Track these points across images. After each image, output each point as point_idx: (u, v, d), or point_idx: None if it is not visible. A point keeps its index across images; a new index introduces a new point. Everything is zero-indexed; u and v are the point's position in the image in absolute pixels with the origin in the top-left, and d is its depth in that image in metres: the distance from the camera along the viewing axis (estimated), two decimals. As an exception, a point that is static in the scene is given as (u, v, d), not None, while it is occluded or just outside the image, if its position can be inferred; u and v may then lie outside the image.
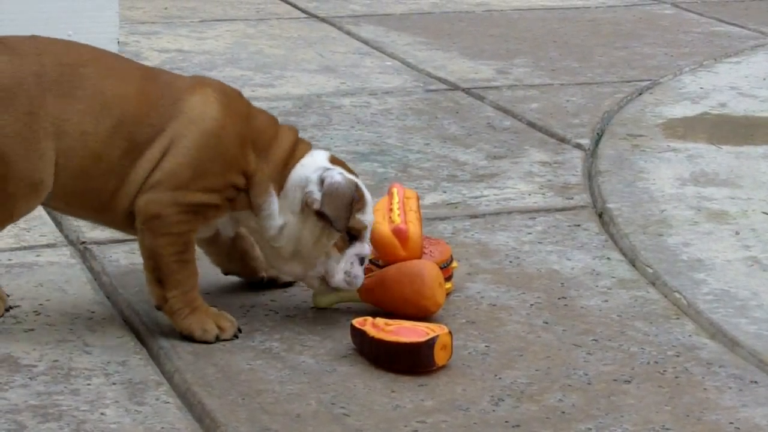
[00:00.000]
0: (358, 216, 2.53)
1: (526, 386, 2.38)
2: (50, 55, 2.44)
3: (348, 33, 4.90)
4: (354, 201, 2.50)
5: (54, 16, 4.31)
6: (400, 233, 2.63)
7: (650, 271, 2.87)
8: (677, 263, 2.91)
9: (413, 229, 2.65)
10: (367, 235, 2.57)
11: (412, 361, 2.40)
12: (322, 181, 2.49)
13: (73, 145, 2.42)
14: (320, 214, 2.48)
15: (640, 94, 4.20)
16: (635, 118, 3.94)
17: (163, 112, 2.45)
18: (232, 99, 2.52)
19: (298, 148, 2.54)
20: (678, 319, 2.67)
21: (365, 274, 2.71)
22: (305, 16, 5.17)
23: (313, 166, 2.52)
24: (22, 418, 2.22)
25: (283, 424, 2.24)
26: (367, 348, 2.44)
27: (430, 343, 2.40)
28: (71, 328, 2.54)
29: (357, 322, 2.48)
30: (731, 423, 2.28)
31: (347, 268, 2.53)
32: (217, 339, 2.49)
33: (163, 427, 2.22)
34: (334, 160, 2.57)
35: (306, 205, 2.49)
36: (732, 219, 3.18)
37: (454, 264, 2.75)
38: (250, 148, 2.49)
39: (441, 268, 2.68)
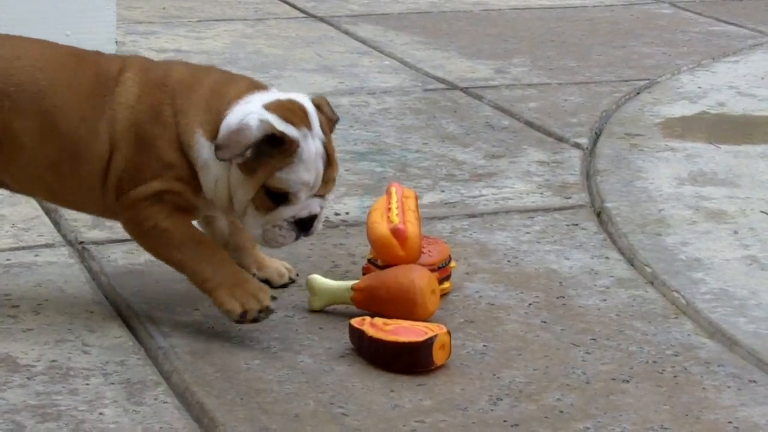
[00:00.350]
0: (281, 174, 2.38)
1: (524, 386, 2.38)
2: None
3: (346, 32, 4.90)
4: (255, 142, 2.33)
5: (51, 16, 4.31)
6: (398, 233, 2.62)
7: (649, 270, 2.87)
8: (675, 262, 2.91)
9: (412, 228, 2.64)
10: (301, 197, 2.41)
11: (410, 361, 2.40)
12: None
13: (8, 141, 2.43)
14: (244, 162, 2.37)
15: (638, 93, 4.20)
16: (633, 118, 3.94)
17: (95, 105, 2.43)
18: (157, 67, 2.47)
19: (228, 90, 2.41)
20: (676, 318, 2.67)
21: (364, 273, 2.71)
22: (303, 15, 5.16)
23: (245, 110, 2.38)
24: (20, 418, 2.22)
25: (282, 423, 2.23)
26: (366, 348, 2.44)
27: (428, 343, 2.40)
28: (70, 327, 2.54)
29: (355, 321, 2.47)
30: (730, 422, 2.28)
31: (268, 228, 2.43)
32: (261, 313, 2.43)
33: (161, 427, 2.21)
34: (277, 107, 2.38)
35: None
36: (730, 218, 3.18)
37: (453, 263, 2.75)
38: (170, 111, 2.41)
39: (439, 268, 2.68)
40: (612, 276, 2.86)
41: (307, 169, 2.39)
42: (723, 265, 2.91)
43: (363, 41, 4.77)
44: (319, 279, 2.63)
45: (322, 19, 5.09)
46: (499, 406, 2.31)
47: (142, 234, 2.47)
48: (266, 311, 2.44)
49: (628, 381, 2.41)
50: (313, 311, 2.63)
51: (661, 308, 2.71)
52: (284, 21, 5.05)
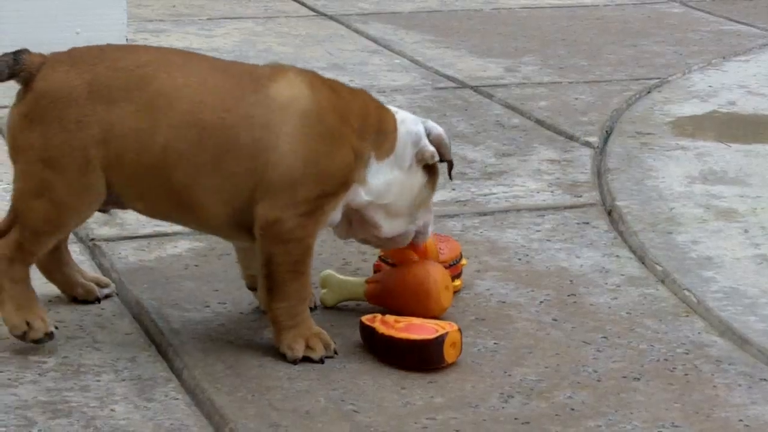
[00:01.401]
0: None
1: (535, 383, 2.38)
2: (106, 62, 2.37)
3: (356, 31, 4.90)
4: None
5: (62, 14, 4.32)
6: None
7: (659, 268, 2.87)
8: (686, 261, 2.91)
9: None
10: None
11: (421, 358, 2.40)
12: (428, 133, 2.52)
13: (127, 145, 2.35)
14: (429, 166, 2.52)
15: (649, 92, 4.20)
16: (644, 117, 3.93)
17: (246, 103, 2.37)
18: (313, 76, 2.45)
19: (381, 109, 2.51)
20: (687, 316, 2.66)
21: (376, 272, 2.72)
22: (313, 14, 5.17)
23: (409, 119, 2.52)
24: (32, 414, 2.22)
25: (292, 420, 2.24)
26: (377, 345, 2.44)
27: (439, 340, 2.40)
28: (80, 324, 2.54)
29: (366, 318, 2.47)
30: (741, 420, 2.28)
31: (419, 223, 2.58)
32: (306, 359, 2.41)
33: (172, 424, 2.22)
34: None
35: (419, 160, 2.51)
36: (741, 217, 3.17)
37: (463, 261, 2.75)
38: (347, 120, 2.43)
39: (450, 266, 2.68)
40: (623, 274, 2.85)
41: None
42: (734, 264, 2.90)
43: (373, 39, 4.77)
44: (332, 274, 2.63)
45: (332, 18, 5.09)
46: (510, 404, 2.31)
47: (283, 240, 2.38)
48: (331, 353, 2.45)
49: (638, 379, 2.40)
50: (324, 308, 2.63)
51: (671, 306, 2.71)
52: (294, 19, 5.06)
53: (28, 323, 2.41)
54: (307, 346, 2.41)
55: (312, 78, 2.44)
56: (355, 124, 2.43)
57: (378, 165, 2.47)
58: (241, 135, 2.36)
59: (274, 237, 2.37)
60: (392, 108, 2.55)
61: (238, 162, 2.36)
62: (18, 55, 2.40)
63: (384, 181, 2.47)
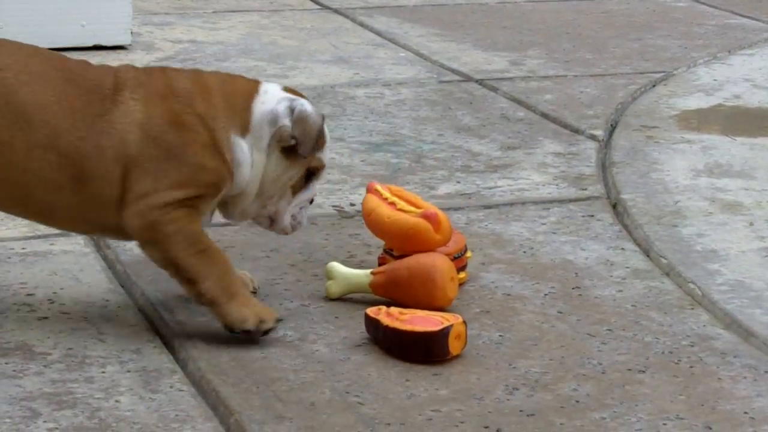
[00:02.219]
0: (319, 154, 2.50)
1: (540, 375, 2.38)
2: None
3: (361, 24, 4.90)
4: (322, 132, 2.47)
5: (66, 7, 4.32)
6: (432, 217, 2.62)
7: (664, 261, 2.87)
8: (691, 254, 2.91)
9: (439, 210, 2.65)
10: (323, 176, 2.54)
11: (426, 351, 2.40)
12: (291, 111, 2.43)
13: None
14: (287, 149, 2.44)
15: (654, 85, 4.19)
16: (649, 110, 3.93)
17: (96, 131, 2.37)
18: (153, 79, 2.43)
19: (241, 86, 2.46)
20: (692, 309, 2.66)
21: (380, 264, 2.72)
22: (318, 7, 5.16)
23: (273, 98, 2.45)
24: (36, 406, 2.22)
25: (298, 412, 2.24)
26: (381, 337, 2.44)
27: (444, 333, 2.40)
28: (85, 316, 2.54)
29: (371, 311, 2.47)
30: (746, 413, 2.28)
31: (294, 212, 2.52)
32: (259, 331, 2.40)
33: (177, 415, 2.22)
34: (289, 89, 2.51)
35: (277, 140, 2.44)
36: (746, 210, 3.17)
37: (468, 254, 2.75)
38: (192, 124, 2.40)
39: (455, 258, 2.68)
40: (628, 267, 2.85)
41: (327, 146, 2.54)
42: (739, 257, 2.90)
43: (378, 33, 4.77)
44: (338, 266, 2.63)
45: (337, 11, 5.09)
46: (515, 396, 2.31)
47: (162, 238, 2.39)
48: (273, 329, 2.42)
49: (644, 371, 2.40)
50: (329, 300, 2.63)
51: (676, 299, 2.70)
52: (299, 12, 5.05)
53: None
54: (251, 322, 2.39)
55: (149, 91, 2.41)
56: (201, 113, 2.40)
57: (242, 141, 2.43)
58: (94, 165, 2.38)
59: (154, 242, 2.39)
60: (264, 83, 2.48)
61: (93, 187, 2.38)
62: None
63: (247, 164, 2.43)
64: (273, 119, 2.44)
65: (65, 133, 2.37)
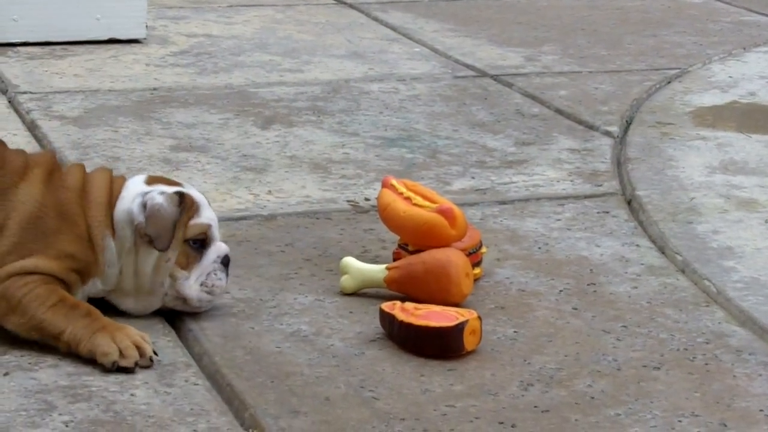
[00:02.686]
0: (194, 221, 2.47)
1: (555, 372, 2.38)
2: None
3: (376, 19, 4.89)
4: (178, 215, 2.45)
5: (82, 1, 4.32)
6: (447, 212, 2.62)
7: (680, 258, 2.86)
8: (707, 251, 2.90)
9: (454, 206, 2.65)
10: (215, 233, 2.50)
11: (441, 346, 2.40)
12: (144, 206, 2.44)
13: None
14: (149, 241, 2.44)
15: (669, 82, 4.19)
16: (664, 106, 3.92)
17: None
18: (53, 172, 2.47)
19: (113, 185, 2.49)
20: (707, 306, 2.66)
21: (395, 259, 2.72)
22: (333, 2, 5.16)
23: (130, 195, 2.47)
24: (52, 398, 2.23)
25: (312, 406, 2.24)
26: (396, 332, 2.44)
27: (459, 328, 2.40)
28: (101, 311, 2.54)
29: (386, 306, 2.47)
30: (761, 410, 2.27)
31: (202, 279, 2.48)
32: (116, 367, 2.32)
33: (192, 408, 2.22)
34: (152, 180, 2.52)
35: (139, 237, 2.45)
36: (761, 207, 3.16)
37: (483, 249, 2.75)
38: (75, 210, 2.44)
39: (470, 254, 2.68)
40: (643, 264, 2.85)
41: (207, 207, 2.52)
42: (754, 254, 2.89)
43: (393, 28, 4.77)
44: (352, 261, 2.63)
45: (351, 6, 5.09)
46: (529, 392, 2.31)
47: (13, 306, 2.36)
48: (147, 360, 2.34)
49: (659, 368, 2.40)
50: (344, 295, 2.63)
51: (692, 296, 2.70)
52: (314, 7, 5.05)
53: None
54: (120, 354, 2.33)
55: (49, 176, 2.45)
56: (82, 211, 2.44)
57: (112, 243, 2.45)
58: None
59: (11, 311, 2.37)
60: (131, 180, 2.51)
61: None
62: None
63: (117, 267, 2.46)
64: (130, 219, 2.45)
65: None
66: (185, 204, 2.47)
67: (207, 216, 2.50)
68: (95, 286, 2.47)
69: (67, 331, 2.35)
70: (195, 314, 2.52)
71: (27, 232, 2.41)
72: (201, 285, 2.48)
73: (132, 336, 2.34)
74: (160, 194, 2.45)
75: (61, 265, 2.40)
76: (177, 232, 2.44)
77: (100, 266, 2.45)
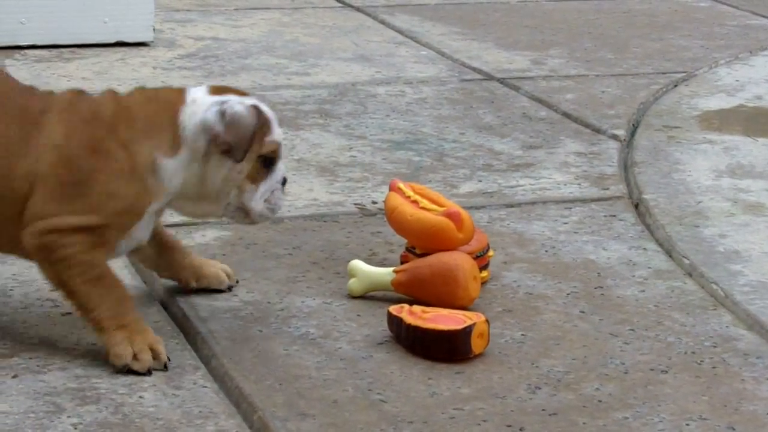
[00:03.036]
0: (268, 138, 2.42)
1: (563, 375, 2.38)
2: None
3: (382, 22, 4.90)
4: (257, 127, 2.38)
5: (89, 3, 4.33)
6: (454, 216, 2.63)
7: (687, 262, 2.86)
8: (714, 254, 2.90)
9: (462, 209, 2.66)
10: (282, 153, 2.46)
11: (449, 349, 2.40)
12: (223, 114, 2.36)
13: None
14: (225, 151, 2.38)
15: (676, 86, 4.19)
16: (671, 110, 3.92)
17: (18, 155, 2.35)
18: (79, 103, 2.41)
19: (164, 101, 2.40)
20: (715, 309, 2.66)
21: (402, 263, 2.72)
22: (340, 5, 5.16)
23: (203, 105, 2.38)
24: (60, 400, 2.23)
25: (320, 409, 2.24)
26: (404, 335, 2.44)
27: (467, 331, 2.40)
28: (109, 312, 2.55)
29: (394, 309, 2.48)
30: (769, 414, 2.28)
31: (267, 196, 2.44)
32: (126, 369, 2.32)
33: (200, 411, 2.22)
34: (217, 90, 2.43)
35: (214, 146, 2.37)
36: (769, 211, 3.17)
37: (491, 252, 2.75)
38: (109, 150, 2.35)
39: (477, 257, 2.68)
40: (650, 267, 2.85)
41: (277, 124, 2.47)
42: (761, 258, 2.89)
43: (399, 31, 4.77)
44: (360, 263, 2.64)
45: (358, 9, 5.09)
46: (537, 395, 2.31)
47: (54, 261, 2.33)
48: (161, 367, 2.34)
49: (666, 371, 2.40)
50: (351, 298, 2.63)
51: (699, 300, 2.70)
52: (321, 10, 5.06)
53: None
54: (134, 357, 2.32)
55: (72, 114, 2.38)
56: (125, 140, 2.36)
57: (169, 162, 2.37)
58: (15, 171, 2.35)
59: (47, 264, 2.34)
60: (190, 90, 2.42)
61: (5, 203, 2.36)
62: None
63: (182, 179, 2.38)
64: (206, 128, 2.37)
65: None
66: (262, 117, 2.42)
67: (278, 133, 2.45)
68: (152, 210, 2.39)
69: (94, 312, 2.33)
70: (203, 316, 2.53)
71: (60, 177, 2.34)
72: (265, 201, 2.45)
73: (149, 340, 2.34)
74: (239, 104, 2.39)
75: (103, 212, 2.33)
76: (254, 144, 2.39)
77: (154, 192, 2.37)
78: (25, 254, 2.40)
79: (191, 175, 2.40)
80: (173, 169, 2.38)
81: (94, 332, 2.36)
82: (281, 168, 2.47)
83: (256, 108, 2.41)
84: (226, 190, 2.42)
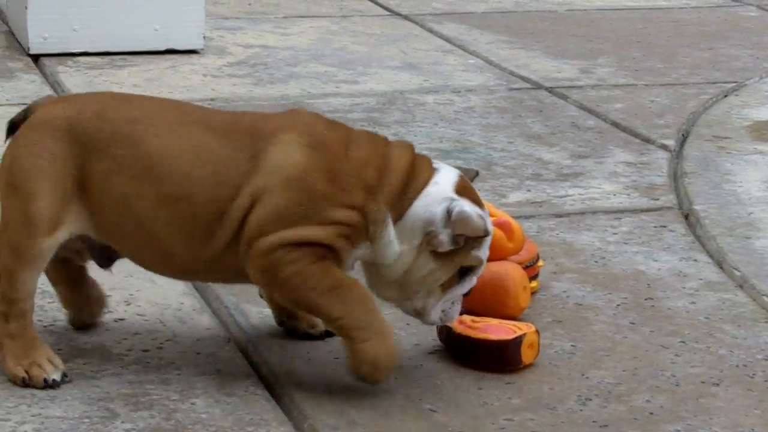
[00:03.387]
0: (476, 252, 2.32)
1: (613, 386, 2.37)
2: (96, 106, 2.31)
3: (430, 31, 4.91)
4: (476, 235, 2.29)
5: (140, 11, 4.36)
6: (505, 225, 2.63)
7: (738, 273, 2.85)
8: (765, 266, 2.89)
9: (512, 219, 2.66)
10: (480, 272, 2.36)
11: (498, 359, 2.41)
12: (448, 214, 2.27)
13: (108, 203, 2.29)
14: (435, 251, 2.29)
15: (726, 95, 4.17)
16: (721, 120, 3.91)
17: (239, 173, 2.27)
18: (319, 139, 2.30)
19: (417, 171, 2.31)
20: (767, 322, 2.65)
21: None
22: (388, 13, 5.18)
23: (438, 196, 2.29)
24: (114, 406, 2.25)
25: (370, 418, 2.25)
26: (454, 345, 2.45)
27: (517, 341, 2.40)
28: (160, 319, 2.57)
29: (444, 318, 2.48)
30: (821, 428, 2.27)
31: (445, 307, 2.35)
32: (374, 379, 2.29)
33: (251, 418, 2.24)
34: (461, 188, 2.32)
35: (427, 243, 2.29)
36: (820, 223, 3.15)
37: (540, 263, 2.75)
38: (352, 181, 2.27)
39: (527, 267, 2.68)
40: (701, 279, 2.84)
41: (488, 243, 2.37)
42: (813, 270, 2.88)
43: (447, 39, 4.78)
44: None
45: (406, 17, 5.10)
46: (588, 407, 2.31)
47: (282, 279, 2.26)
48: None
49: (718, 384, 2.39)
50: (401, 307, 2.64)
51: (750, 312, 2.69)
52: (369, 18, 5.07)
53: (28, 373, 2.31)
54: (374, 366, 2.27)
55: (312, 139, 2.29)
56: (364, 183, 2.27)
57: (391, 229, 2.29)
58: (229, 205, 2.27)
59: (274, 285, 2.28)
60: (441, 171, 2.32)
61: (223, 226, 2.28)
62: (38, 101, 2.39)
63: (391, 248, 2.29)
64: (429, 220, 2.27)
65: (200, 182, 2.27)
66: (485, 230, 2.31)
67: (485, 251, 2.35)
68: (364, 249, 2.30)
69: (344, 318, 2.26)
70: (253, 323, 2.54)
71: (284, 194, 2.25)
72: (442, 312, 2.37)
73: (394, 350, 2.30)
74: (478, 215, 2.28)
75: (329, 231, 2.26)
76: (463, 252, 2.31)
77: (371, 234, 2.28)
78: (248, 277, 2.31)
79: (402, 255, 2.30)
80: (389, 238, 2.29)
81: (347, 336, 2.28)
82: (472, 282, 2.37)
83: (483, 219, 2.31)
84: (415, 288, 2.32)
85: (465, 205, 2.28)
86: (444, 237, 2.27)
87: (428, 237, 2.28)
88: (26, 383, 2.31)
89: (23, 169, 2.29)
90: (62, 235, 2.31)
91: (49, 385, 2.31)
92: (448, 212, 2.27)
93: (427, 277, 2.31)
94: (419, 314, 2.36)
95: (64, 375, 2.33)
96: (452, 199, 2.28)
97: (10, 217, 2.31)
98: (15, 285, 2.31)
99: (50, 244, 2.30)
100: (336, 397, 2.31)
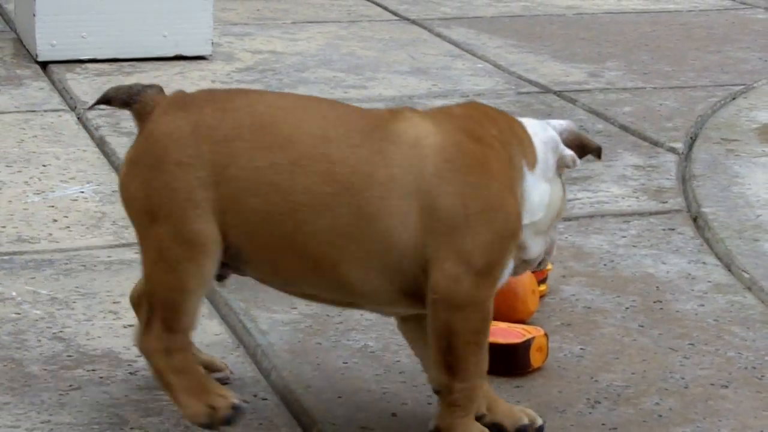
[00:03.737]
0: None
1: (622, 389, 2.38)
2: (215, 103, 2.11)
3: (439, 35, 4.91)
4: (592, 148, 2.23)
5: (150, 17, 4.37)
6: None
7: (746, 276, 2.85)
8: (774, 269, 2.89)
9: None
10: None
11: (507, 363, 2.41)
12: (560, 134, 2.19)
13: (243, 186, 2.06)
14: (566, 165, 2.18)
15: (734, 98, 4.17)
16: (729, 123, 3.91)
17: (375, 138, 2.07)
18: (431, 114, 2.14)
19: (498, 113, 2.18)
20: (775, 324, 2.65)
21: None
22: (396, 18, 5.18)
23: (534, 124, 2.18)
24: (123, 412, 2.26)
25: (380, 422, 2.25)
26: (463, 349, 2.45)
27: (526, 345, 2.40)
28: (170, 324, 2.57)
29: (453, 322, 2.48)
30: (831, 430, 2.27)
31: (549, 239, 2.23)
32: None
33: (261, 423, 2.24)
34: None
35: (559, 167, 2.18)
36: (829, 225, 3.14)
37: (549, 266, 2.75)
38: (485, 139, 2.10)
39: (536, 271, 2.68)
40: (709, 281, 2.84)
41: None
42: (822, 272, 2.88)
43: (456, 44, 4.78)
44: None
45: (414, 22, 5.11)
46: (597, 410, 2.31)
47: (451, 303, 2.05)
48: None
49: (726, 386, 2.39)
50: (410, 312, 2.64)
51: (759, 314, 2.69)
52: (377, 23, 5.08)
53: (211, 406, 2.14)
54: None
55: (431, 114, 2.13)
56: (496, 135, 2.11)
57: (531, 177, 2.14)
58: (376, 173, 2.04)
59: (449, 302, 2.04)
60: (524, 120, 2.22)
61: (381, 204, 2.04)
62: (144, 88, 2.17)
63: (538, 196, 2.15)
64: (554, 146, 2.17)
65: (335, 141, 2.07)
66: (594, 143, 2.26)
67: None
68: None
69: (460, 386, 2.09)
70: (263, 329, 2.55)
71: (447, 184, 2.04)
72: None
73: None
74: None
75: (503, 249, 2.06)
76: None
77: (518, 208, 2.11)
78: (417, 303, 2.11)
79: (543, 196, 2.16)
80: (531, 185, 2.14)
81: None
82: None
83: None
84: (556, 217, 2.19)
85: (558, 121, 2.23)
86: (570, 153, 2.19)
87: (560, 160, 2.17)
88: (212, 419, 2.13)
89: (160, 191, 2.09)
90: (219, 249, 2.11)
91: (238, 411, 2.13)
92: (560, 133, 2.19)
93: (561, 204, 2.19)
94: (547, 254, 2.21)
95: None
96: (546, 122, 2.22)
97: (162, 245, 2.10)
98: (178, 316, 2.12)
99: (214, 261, 2.10)
100: (345, 401, 2.31)
